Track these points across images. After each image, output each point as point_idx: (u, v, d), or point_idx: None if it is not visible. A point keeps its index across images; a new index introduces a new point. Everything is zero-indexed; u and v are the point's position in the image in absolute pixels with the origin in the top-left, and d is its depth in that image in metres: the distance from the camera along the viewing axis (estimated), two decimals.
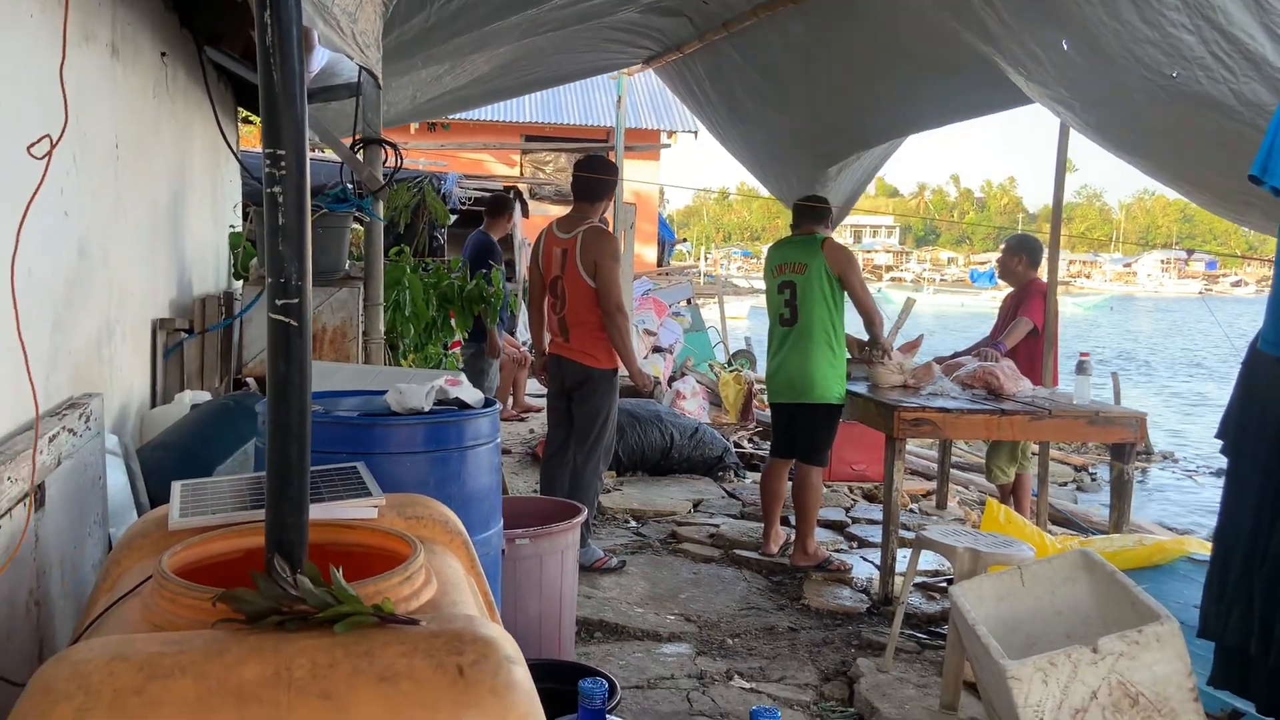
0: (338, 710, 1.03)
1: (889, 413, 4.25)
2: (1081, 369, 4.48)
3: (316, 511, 1.53)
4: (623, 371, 4.52)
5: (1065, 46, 3.33)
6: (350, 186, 4.19)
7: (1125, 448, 4.30)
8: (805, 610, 4.21)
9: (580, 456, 4.42)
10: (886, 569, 4.32)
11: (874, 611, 4.19)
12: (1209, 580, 2.65)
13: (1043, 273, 5.63)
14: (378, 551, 1.61)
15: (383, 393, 2.55)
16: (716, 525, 5.40)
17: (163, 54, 3.80)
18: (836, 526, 5.57)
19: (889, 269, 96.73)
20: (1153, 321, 50.46)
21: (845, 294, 4.65)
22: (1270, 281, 2.53)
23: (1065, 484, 9.96)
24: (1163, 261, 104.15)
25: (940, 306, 46.26)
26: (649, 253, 15.74)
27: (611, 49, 6.80)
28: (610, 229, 7.75)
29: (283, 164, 1.18)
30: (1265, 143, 2.25)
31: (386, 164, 4.10)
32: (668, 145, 15.98)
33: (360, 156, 4.03)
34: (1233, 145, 3.00)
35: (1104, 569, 2.74)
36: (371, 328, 4.13)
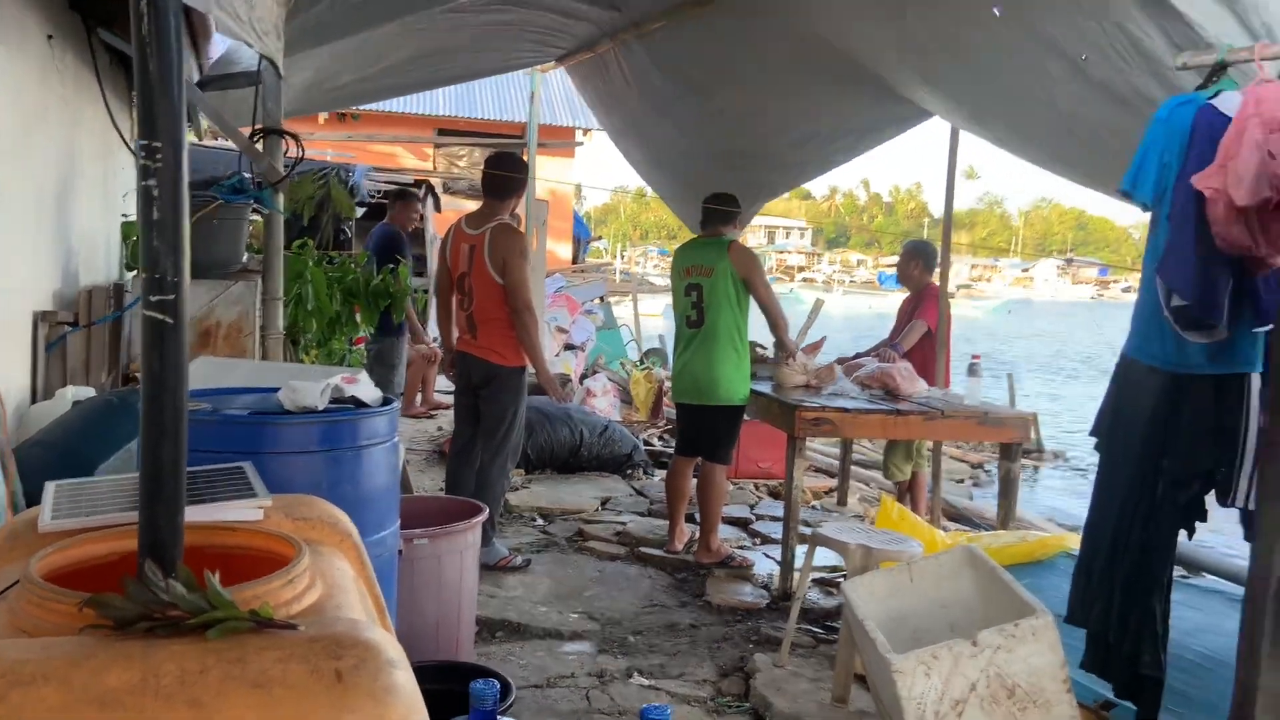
0: (206, 718, 1.02)
1: (790, 412, 4.34)
2: (972, 371, 4.65)
3: (196, 514, 1.50)
4: (531, 370, 4.53)
5: (997, 12, 3.41)
6: (248, 177, 4.09)
7: (1013, 447, 4.47)
8: (707, 607, 4.27)
9: (487, 455, 4.40)
10: (786, 565, 4.41)
11: (774, 607, 4.28)
12: (1077, 570, 2.79)
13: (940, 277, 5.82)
14: (261, 554, 1.58)
15: (277, 390, 2.51)
16: (623, 523, 5.43)
17: (49, 36, 3.65)
18: (741, 523, 5.67)
19: (801, 270, 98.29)
20: (1048, 324, 52.43)
21: (751, 297, 4.73)
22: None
23: (962, 481, 10.29)
24: (1058, 267, 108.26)
25: (850, 308, 47.21)
26: (564, 250, 15.72)
27: (525, 47, 6.77)
28: (521, 226, 7.73)
29: (159, 156, 1.16)
30: (1134, 162, 2.38)
31: (287, 155, 4.01)
32: (582, 143, 15.96)
33: (260, 147, 3.94)
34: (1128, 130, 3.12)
35: (986, 565, 2.85)
36: (270, 323, 4.03)
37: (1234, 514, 2.38)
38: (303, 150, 4.04)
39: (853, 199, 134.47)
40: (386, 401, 2.57)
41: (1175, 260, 2.27)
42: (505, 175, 4.47)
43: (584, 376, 8.59)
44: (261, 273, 4.05)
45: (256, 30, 3.78)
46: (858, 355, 5.90)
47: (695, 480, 4.92)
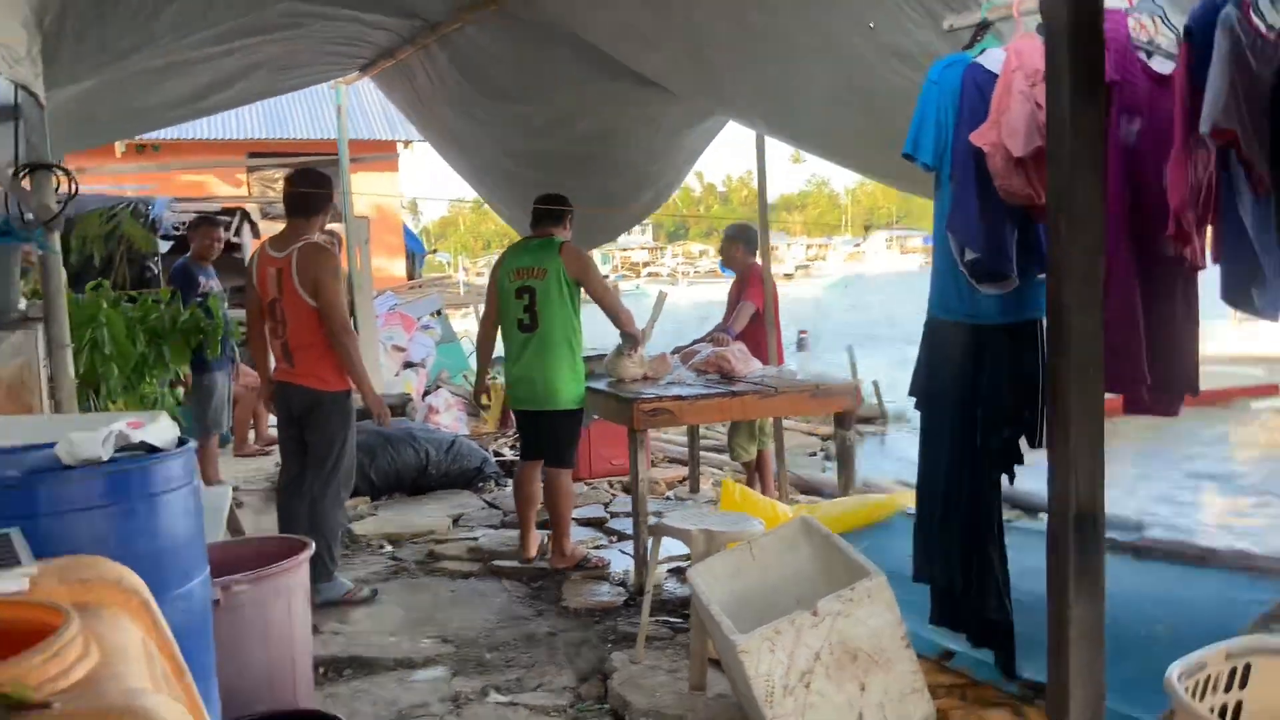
0: None
1: (628, 406, 4.32)
2: (801, 345, 4.76)
3: None
4: (358, 394, 4.34)
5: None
6: (11, 216, 3.75)
7: (845, 416, 4.59)
8: (565, 612, 4.20)
9: (318, 487, 4.19)
10: (640, 560, 4.39)
11: (631, 603, 4.25)
12: (916, 528, 2.87)
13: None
14: (27, 628, 1.42)
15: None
16: (476, 538, 5.30)
17: None
18: (596, 523, 5.62)
19: (646, 265, 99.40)
20: (881, 295, 54.78)
21: (584, 297, 4.69)
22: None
23: (814, 454, 10.55)
24: (886, 240, 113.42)
25: (696, 297, 48.10)
26: (397, 266, 15.30)
27: (326, 59, 6.52)
28: (341, 245, 7.46)
29: None
30: (912, 126, 2.45)
31: (60, 191, 3.70)
32: (398, 154, 15.53)
33: (26, 184, 3.62)
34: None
35: (820, 533, 2.89)
36: (59, 373, 3.71)
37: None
38: (76, 185, 3.74)
39: (688, 191, 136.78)
40: (182, 442, 2.38)
41: (962, 216, 2.35)
42: (307, 192, 4.26)
43: (426, 393, 8.36)
44: (43, 319, 3.73)
45: (6, 58, 3.46)
46: (694, 342, 5.95)
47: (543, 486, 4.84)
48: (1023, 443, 2.52)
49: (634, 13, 4.09)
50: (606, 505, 6.00)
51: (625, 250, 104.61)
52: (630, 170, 6.16)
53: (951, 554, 2.69)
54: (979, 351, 2.51)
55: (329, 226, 7.80)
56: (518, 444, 7.88)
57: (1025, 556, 2.72)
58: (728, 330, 5.49)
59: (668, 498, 6.36)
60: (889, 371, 20.79)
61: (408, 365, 8.51)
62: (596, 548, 5.15)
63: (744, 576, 2.97)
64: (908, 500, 3.87)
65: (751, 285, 5.68)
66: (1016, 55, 2.21)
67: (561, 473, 4.69)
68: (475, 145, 6.52)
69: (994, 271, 2.37)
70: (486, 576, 4.73)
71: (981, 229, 2.33)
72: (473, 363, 11.31)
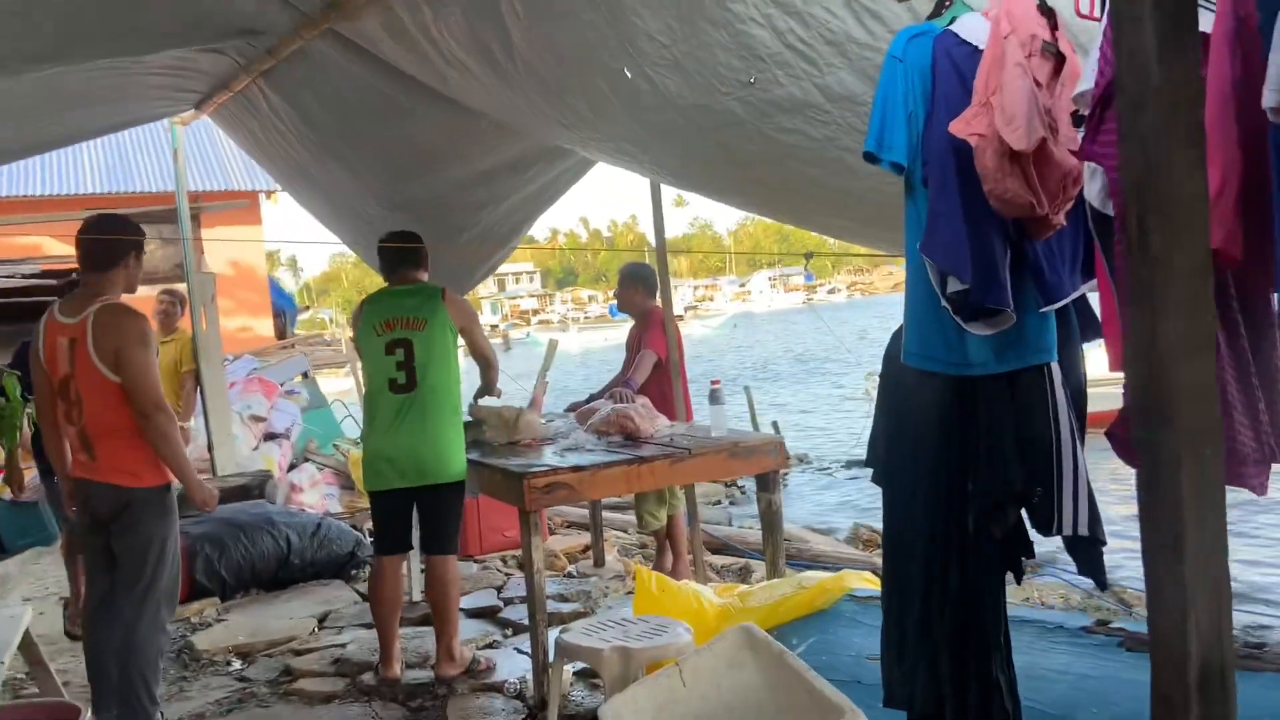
0: None
1: (517, 482, 3.62)
2: (714, 398, 4.15)
3: None
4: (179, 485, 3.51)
5: (629, 74, 2.89)
6: None
7: (769, 476, 4.00)
8: None
9: (130, 610, 3.33)
10: (540, 668, 3.67)
11: None
12: (885, 638, 2.25)
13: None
14: None
15: None
16: (344, 644, 4.48)
17: None
18: (489, 614, 4.87)
19: (536, 313, 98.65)
20: (770, 334, 55.41)
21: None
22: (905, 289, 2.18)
23: (718, 503, 10.00)
24: (770, 279, 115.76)
25: (587, 343, 47.57)
26: (262, 326, 14.16)
27: (153, 94, 5.70)
28: (181, 303, 6.54)
29: None
30: (874, 118, 1.87)
31: None
32: (258, 205, 14.44)
33: None
34: (826, 156, 2.69)
35: (770, 649, 2.25)
36: None
37: (1058, 543, 1.91)
38: None
39: (574, 238, 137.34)
40: None
41: (943, 233, 1.78)
42: (102, 240, 3.45)
43: (293, 467, 7.45)
44: None
45: None
46: (590, 398, 5.30)
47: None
48: (1031, 529, 1.94)
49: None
50: (500, 590, 5.25)
51: (514, 299, 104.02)
52: (493, 212, 5.52)
53: (938, 673, 2.08)
54: (967, 408, 1.93)
55: (172, 286, 6.90)
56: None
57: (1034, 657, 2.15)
58: (629, 383, 4.85)
59: (569, 574, 5.64)
60: (785, 412, 20.58)
61: (269, 437, 7.58)
62: (489, 646, 4.41)
63: (675, 708, 2.30)
64: (851, 581, 3.28)
65: (652, 331, 5.07)
66: (1008, 18, 1.66)
67: (449, 561, 3.95)
68: (332, 186, 5.77)
69: (985, 306, 1.80)
70: (354, 699, 3.91)
71: (968, 250, 1.76)
72: (350, 428, 10.41)
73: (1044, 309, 1.84)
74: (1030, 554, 1.98)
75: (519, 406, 4.55)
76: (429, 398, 3.87)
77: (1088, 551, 1.89)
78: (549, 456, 3.94)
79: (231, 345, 11.81)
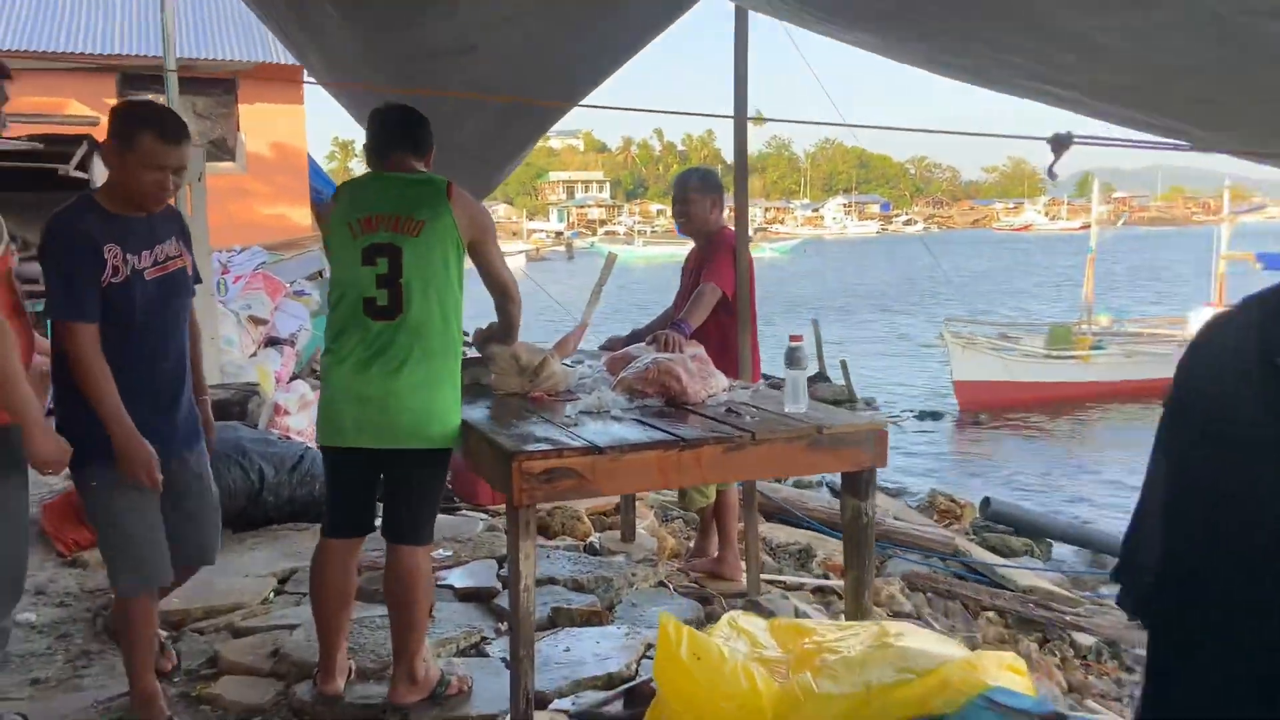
0: None
1: (505, 461, 2.55)
2: (793, 359, 3.00)
3: None
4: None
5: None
6: None
7: (861, 476, 2.88)
8: None
9: None
10: (523, 698, 2.66)
11: None
12: None
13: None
14: None
15: None
16: (293, 627, 3.52)
17: None
18: (483, 597, 3.88)
19: (602, 223, 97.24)
20: (841, 262, 53.53)
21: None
22: None
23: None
24: (844, 205, 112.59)
25: (652, 258, 46.33)
26: (298, 214, 13.19)
27: None
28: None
29: None
30: None
31: None
32: (301, 83, 13.37)
33: None
34: None
35: None
36: None
37: None
38: None
39: (648, 149, 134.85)
40: None
41: None
42: None
43: (294, 378, 6.51)
44: None
45: None
46: (632, 335, 4.20)
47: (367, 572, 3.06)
48: None
49: None
50: (502, 564, 4.24)
51: (582, 208, 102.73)
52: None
53: None
54: None
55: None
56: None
57: None
58: (680, 325, 3.71)
59: (590, 545, 4.63)
60: (854, 347, 19.28)
61: (272, 342, 6.63)
62: (471, 648, 3.43)
63: None
64: (988, 669, 2.16)
65: (718, 258, 3.93)
66: None
67: (419, 553, 2.91)
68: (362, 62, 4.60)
69: None
70: (282, 715, 2.95)
71: None
72: None
73: None
74: None
75: (545, 347, 3.45)
76: (417, 330, 2.78)
77: None
78: (553, 423, 2.85)
79: (264, 235, 10.89)
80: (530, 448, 2.56)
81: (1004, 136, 4.56)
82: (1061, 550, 8.17)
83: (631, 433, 2.75)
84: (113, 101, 13.36)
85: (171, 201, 2.80)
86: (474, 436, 2.86)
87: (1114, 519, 8.86)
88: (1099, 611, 5.90)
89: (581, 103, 4.72)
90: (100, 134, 10.73)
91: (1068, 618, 5.62)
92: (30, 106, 9.85)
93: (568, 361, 3.98)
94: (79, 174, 8.63)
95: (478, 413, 3.04)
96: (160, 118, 2.63)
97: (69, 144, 8.67)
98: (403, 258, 2.78)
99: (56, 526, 4.32)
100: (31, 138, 8.55)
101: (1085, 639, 5.36)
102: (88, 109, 10.71)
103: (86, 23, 12.39)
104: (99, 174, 8.75)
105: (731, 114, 3.92)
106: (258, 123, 13.07)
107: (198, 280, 2.94)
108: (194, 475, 2.91)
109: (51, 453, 2.37)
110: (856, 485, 2.88)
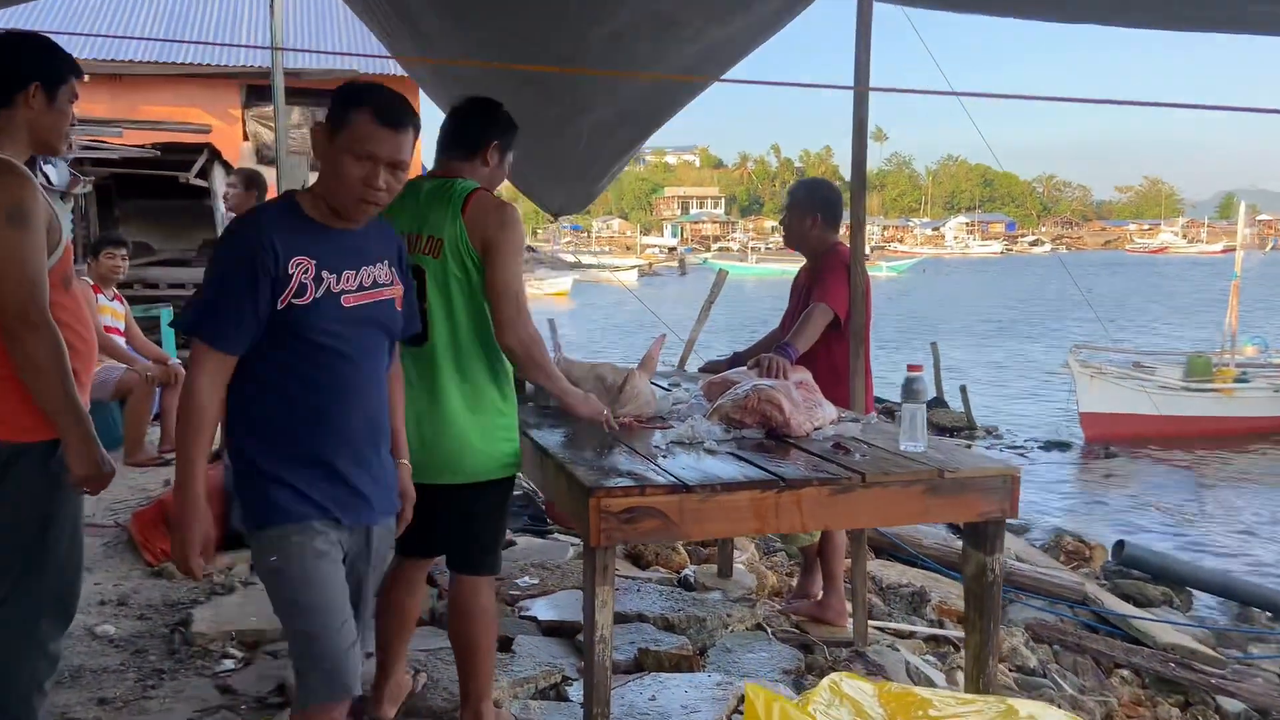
0: None
1: (582, 498, 2.30)
2: (911, 392, 2.67)
3: None
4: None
5: None
6: None
7: (987, 528, 2.52)
8: None
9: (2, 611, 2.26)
10: None
11: None
12: None
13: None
14: None
15: None
16: (370, 655, 3.34)
17: None
18: (568, 632, 3.65)
19: (716, 239, 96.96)
20: (961, 284, 51.89)
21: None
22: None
23: None
24: (967, 224, 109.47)
25: (765, 275, 45.80)
26: None
27: None
28: (262, 189, 5.54)
29: None
30: None
31: None
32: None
33: None
34: None
35: None
36: None
37: None
38: None
39: (764, 165, 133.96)
40: None
41: None
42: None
43: None
44: None
45: None
46: (734, 357, 3.92)
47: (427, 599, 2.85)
48: None
49: None
50: None
51: (696, 223, 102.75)
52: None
53: None
54: None
55: (251, 168, 5.90)
56: None
57: None
58: (785, 348, 3.41)
59: (684, 579, 4.34)
60: (974, 372, 18.44)
61: None
62: (550, 689, 3.19)
63: None
64: None
65: (831, 277, 3.61)
66: None
67: (481, 584, 2.70)
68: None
69: None
70: None
71: None
72: None
73: None
74: None
75: (626, 367, 3.20)
76: (445, 357, 2.54)
77: None
78: (639, 459, 2.58)
79: None
80: (610, 483, 2.31)
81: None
82: (1204, 601, 7.46)
83: (725, 469, 2.47)
84: (237, 112, 13.88)
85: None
86: (550, 465, 2.62)
87: (1269, 571, 8.08)
88: (1248, 674, 5.30)
89: (721, 78, 4.41)
90: (217, 140, 10.99)
91: (1213, 680, 5.04)
92: (156, 115, 10.22)
93: (664, 384, 3.73)
94: (199, 182, 8.90)
95: (556, 438, 2.81)
96: (379, 95, 2.04)
97: (189, 152, 8.94)
98: (427, 281, 2.54)
99: (146, 535, 4.29)
100: (154, 145, 8.82)
101: (1232, 705, 4.79)
102: (213, 118, 11.07)
103: (215, 36, 12.84)
104: (219, 182, 8.98)
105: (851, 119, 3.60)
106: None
107: (415, 324, 2.32)
108: (378, 553, 2.27)
109: (88, 469, 2.20)
110: (982, 537, 2.52)
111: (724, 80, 4.26)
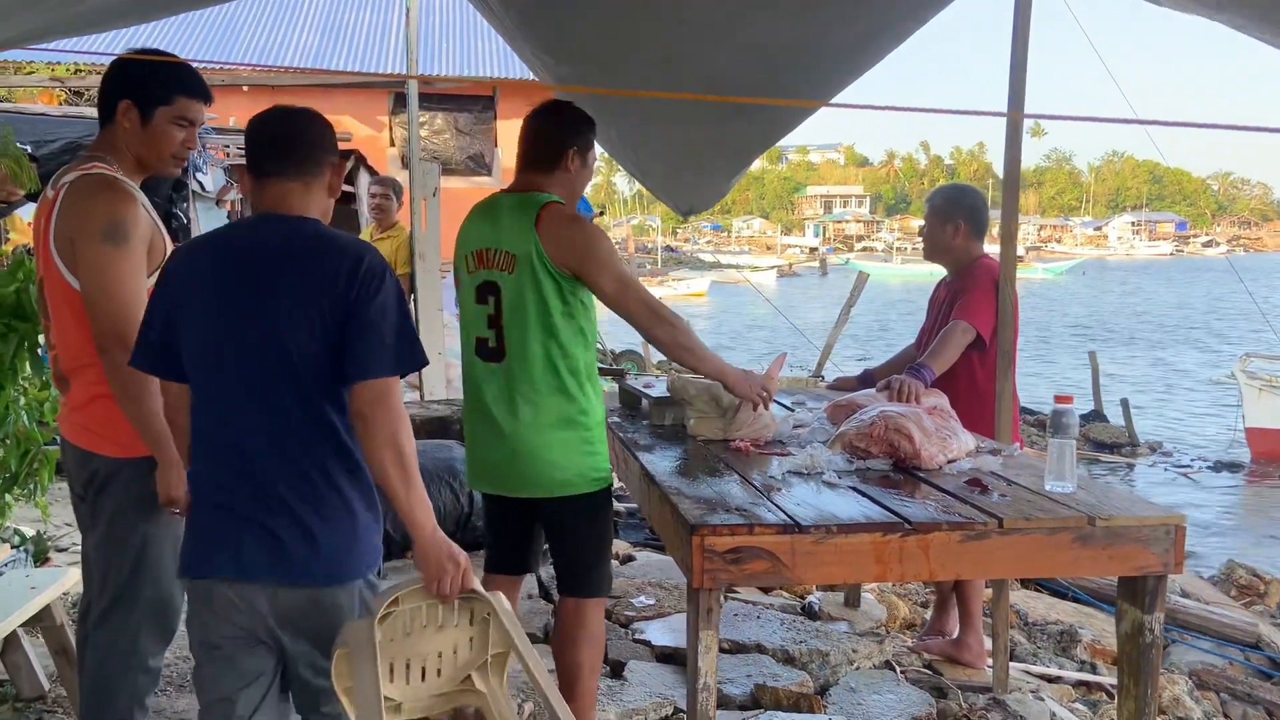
0: None
1: (686, 533, 2.13)
2: (1060, 427, 2.38)
3: None
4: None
5: None
6: None
7: (1144, 583, 2.21)
8: None
9: (99, 631, 2.27)
10: None
11: None
12: None
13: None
14: None
15: None
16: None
17: None
18: (684, 658, 3.48)
19: (860, 239, 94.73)
20: (1127, 287, 48.96)
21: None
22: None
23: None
24: (1133, 224, 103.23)
25: (909, 277, 44.32)
26: None
27: None
28: (397, 195, 5.62)
29: None
30: None
31: None
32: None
33: None
34: None
35: None
36: None
37: None
38: None
39: (912, 163, 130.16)
40: None
41: None
42: (107, 77, 2.29)
43: None
44: None
45: None
46: (865, 375, 3.67)
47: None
48: None
49: None
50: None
51: (839, 223, 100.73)
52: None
53: None
54: None
55: (391, 176, 6.00)
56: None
57: None
58: (919, 370, 3.14)
59: (807, 607, 4.11)
60: (1138, 384, 17.27)
61: None
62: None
63: None
64: None
65: (975, 293, 3.31)
66: None
67: (586, 606, 2.60)
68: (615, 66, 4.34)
69: None
70: None
71: None
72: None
73: None
74: None
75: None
76: (521, 373, 2.50)
77: None
78: (750, 490, 2.39)
79: None
80: (716, 520, 2.13)
81: None
82: None
83: (844, 506, 2.25)
84: (384, 118, 14.36)
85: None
86: (654, 493, 2.47)
87: None
88: None
89: (831, 102, 4.23)
90: (365, 147, 11.30)
91: None
92: None
93: (787, 403, 3.53)
94: (346, 187, 9.19)
95: (665, 463, 2.66)
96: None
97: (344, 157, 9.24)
98: (501, 296, 2.51)
99: None
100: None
101: None
102: (362, 125, 11.50)
103: (364, 45, 13.31)
104: (363, 188, 9.26)
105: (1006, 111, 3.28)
106: (515, 138, 13.53)
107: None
108: None
109: (174, 491, 2.16)
110: (1139, 593, 2.22)
111: (852, 106, 4.00)
